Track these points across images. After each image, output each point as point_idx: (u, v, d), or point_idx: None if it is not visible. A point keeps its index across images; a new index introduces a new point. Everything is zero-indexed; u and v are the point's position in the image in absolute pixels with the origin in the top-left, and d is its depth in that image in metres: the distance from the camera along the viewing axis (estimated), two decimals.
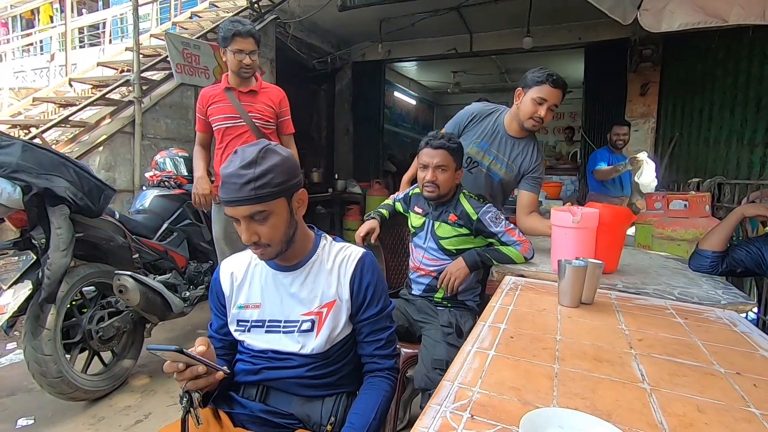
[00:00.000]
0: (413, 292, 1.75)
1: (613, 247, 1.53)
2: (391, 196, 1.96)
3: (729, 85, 4.29)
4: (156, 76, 4.01)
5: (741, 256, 1.46)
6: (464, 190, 1.68)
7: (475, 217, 1.60)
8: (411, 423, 1.92)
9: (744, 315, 1.26)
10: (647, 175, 3.46)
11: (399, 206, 1.88)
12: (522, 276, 1.47)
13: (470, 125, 1.93)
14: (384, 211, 1.87)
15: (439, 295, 1.67)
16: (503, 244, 1.59)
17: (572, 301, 1.16)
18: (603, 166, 3.58)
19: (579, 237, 1.36)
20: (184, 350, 0.76)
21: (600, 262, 1.20)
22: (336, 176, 6.36)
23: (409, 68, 8.33)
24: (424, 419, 0.63)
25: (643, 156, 3.45)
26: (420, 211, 1.73)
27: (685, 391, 0.73)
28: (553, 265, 1.49)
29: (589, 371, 0.79)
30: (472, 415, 0.64)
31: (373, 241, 1.79)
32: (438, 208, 1.67)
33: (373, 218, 1.82)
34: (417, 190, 1.76)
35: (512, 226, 1.62)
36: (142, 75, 3.67)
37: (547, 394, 0.70)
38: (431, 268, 1.67)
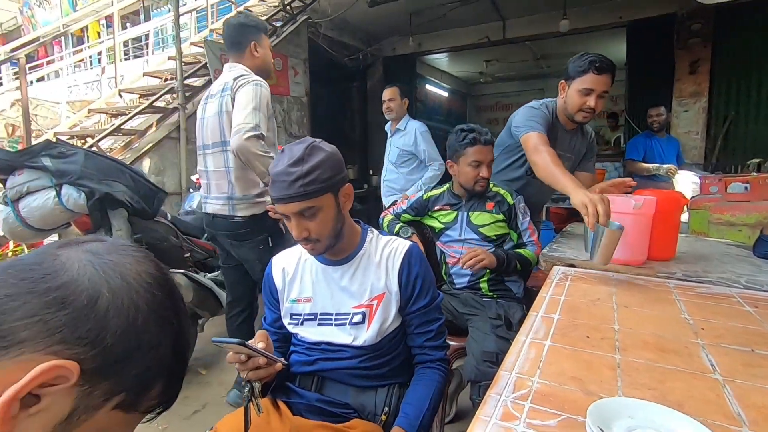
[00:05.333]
0: (456, 287, 1.74)
1: (670, 234, 1.46)
2: (387, 212, 1.92)
3: None
4: (197, 82, 4.17)
5: None
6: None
7: (511, 202, 1.69)
8: (458, 416, 1.91)
9: None
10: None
11: (407, 216, 1.86)
12: (572, 266, 1.43)
13: None
14: (406, 225, 1.85)
15: (484, 283, 1.67)
16: (520, 242, 1.69)
17: (606, 260, 1.19)
18: (636, 158, 3.47)
19: (635, 224, 1.30)
20: (246, 343, 0.79)
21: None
22: (371, 172, 6.39)
23: (440, 60, 8.22)
24: (485, 408, 0.63)
25: (677, 175, 3.31)
26: (447, 207, 1.76)
27: (764, 382, 0.69)
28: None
29: (653, 361, 0.76)
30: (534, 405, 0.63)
31: None
32: (471, 199, 1.71)
33: (413, 236, 1.80)
34: (435, 192, 1.82)
35: (533, 226, 1.72)
36: (185, 82, 3.83)
37: (611, 385, 0.68)
38: None
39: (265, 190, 1.77)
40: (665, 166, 3.34)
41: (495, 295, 1.65)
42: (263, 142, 1.63)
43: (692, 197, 2.99)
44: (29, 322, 0.36)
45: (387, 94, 3.02)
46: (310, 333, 1.03)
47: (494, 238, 1.67)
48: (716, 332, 0.89)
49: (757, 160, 3.38)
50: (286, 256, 1.11)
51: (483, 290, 1.67)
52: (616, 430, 0.53)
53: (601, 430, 0.52)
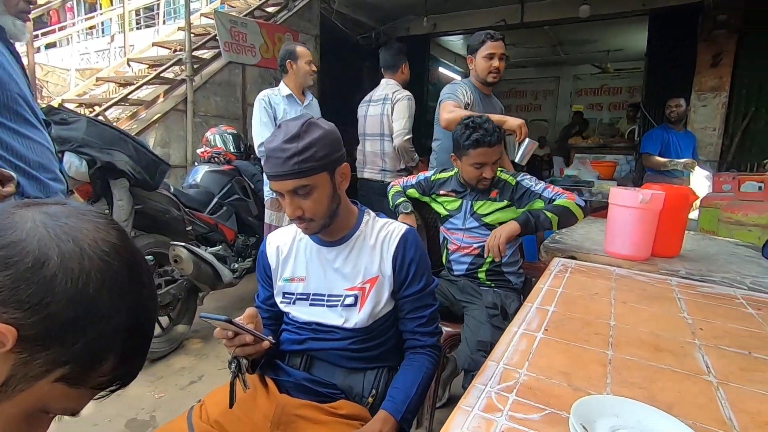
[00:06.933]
0: (455, 273, 1.72)
1: (676, 230, 1.42)
2: (397, 183, 1.88)
3: None
4: (206, 54, 4.12)
5: None
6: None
7: (513, 182, 1.64)
8: (450, 402, 1.92)
9: None
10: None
11: (413, 192, 1.81)
12: (573, 258, 1.40)
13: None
14: (407, 201, 1.80)
15: (482, 273, 1.64)
16: (550, 201, 1.56)
17: (526, 160, 1.88)
18: (652, 152, 3.36)
19: (641, 218, 1.27)
20: (233, 320, 0.78)
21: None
22: None
23: (455, 42, 8.03)
24: (468, 398, 0.62)
25: (698, 169, 3.26)
26: (453, 194, 1.71)
27: (760, 387, 0.67)
28: (607, 247, 1.41)
29: (646, 360, 0.74)
30: (518, 397, 0.62)
31: None
32: (475, 188, 1.65)
33: (411, 213, 1.76)
34: (443, 175, 1.76)
35: (551, 184, 1.64)
36: (194, 54, 3.77)
37: (599, 382, 0.67)
38: (474, 245, 1.64)
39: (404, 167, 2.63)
40: (683, 160, 3.24)
41: (492, 284, 1.63)
42: (411, 142, 2.57)
43: (704, 195, 2.93)
44: None
45: (310, 54, 2.59)
46: (301, 313, 1.02)
47: (498, 225, 1.63)
48: (715, 333, 0.87)
49: None
50: (282, 234, 1.09)
51: (481, 279, 1.65)
52: (600, 428, 0.52)
53: (583, 427, 0.50)
